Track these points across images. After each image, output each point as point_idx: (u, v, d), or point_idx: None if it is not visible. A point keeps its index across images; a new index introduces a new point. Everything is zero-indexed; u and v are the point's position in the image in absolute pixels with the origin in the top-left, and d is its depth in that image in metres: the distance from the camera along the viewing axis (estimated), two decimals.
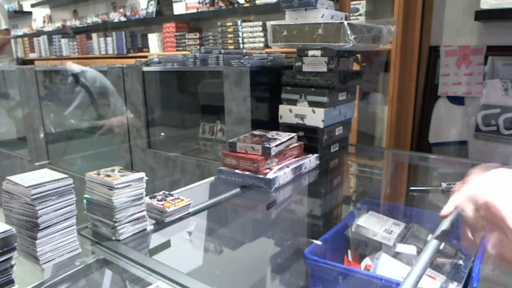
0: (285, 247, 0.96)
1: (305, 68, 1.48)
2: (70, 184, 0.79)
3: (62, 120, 2.93)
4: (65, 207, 0.79)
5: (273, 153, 1.25)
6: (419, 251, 1.01)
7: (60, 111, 2.91)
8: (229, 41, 3.44)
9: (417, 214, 1.23)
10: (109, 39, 4.66)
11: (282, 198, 1.25)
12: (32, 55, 6.13)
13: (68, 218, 0.80)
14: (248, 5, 3.27)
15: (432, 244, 0.82)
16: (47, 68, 2.87)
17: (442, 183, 1.22)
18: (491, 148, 1.96)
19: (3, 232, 0.62)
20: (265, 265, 0.97)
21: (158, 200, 1.00)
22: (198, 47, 3.27)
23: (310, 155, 1.44)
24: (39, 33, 5.97)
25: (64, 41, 5.37)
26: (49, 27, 5.87)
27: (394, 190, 1.51)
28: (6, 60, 3.51)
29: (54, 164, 2.84)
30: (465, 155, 2.05)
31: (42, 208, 0.75)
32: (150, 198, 1.01)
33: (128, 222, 0.88)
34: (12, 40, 6.12)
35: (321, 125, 1.44)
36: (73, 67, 2.63)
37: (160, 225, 0.96)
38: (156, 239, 0.94)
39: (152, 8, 4.18)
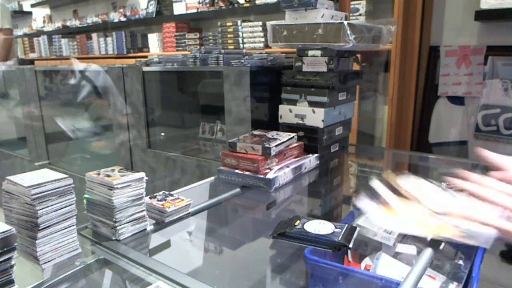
0: (285, 247, 0.96)
1: (305, 68, 1.48)
2: (70, 184, 0.79)
3: (62, 120, 2.93)
4: (65, 207, 0.79)
5: (273, 153, 1.25)
6: (419, 251, 1.01)
7: (60, 111, 2.91)
8: (229, 41, 3.44)
9: None
10: (109, 39, 4.66)
11: (282, 198, 1.25)
12: (32, 55, 6.13)
13: (68, 218, 0.80)
14: (248, 5, 3.27)
15: (432, 244, 0.82)
16: (47, 68, 2.87)
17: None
18: (491, 148, 1.95)
19: (3, 232, 0.62)
20: (265, 265, 0.96)
21: (158, 200, 1.00)
22: (198, 47, 3.27)
23: (310, 155, 1.44)
24: (39, 33, 5.97)
25: (64, 41, 5.37)
26: (49, 27, 5.88)
27: None
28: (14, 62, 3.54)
29: (54, 164, 2.84)
30: (465, 155, 2.05)
31: (42, 208, 0.75)
32: (150, 198, 1.01)
33: (128, 222, 0.88)
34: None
35: (321, 125, 1.44)
36: (79, 65, 2.64)
37: (160, 225, 0.96)
38: (156, 239, 0.94)
39: (152, 8, 4.18)
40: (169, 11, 4.03)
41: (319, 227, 0.89)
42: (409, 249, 1.04)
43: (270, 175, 1.21)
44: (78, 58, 5.15)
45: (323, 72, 1.43)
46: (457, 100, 2.06)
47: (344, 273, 0.89)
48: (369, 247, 1.12)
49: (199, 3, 3.68)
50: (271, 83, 1.63)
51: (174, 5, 3.91)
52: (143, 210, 0.91)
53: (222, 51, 1.78)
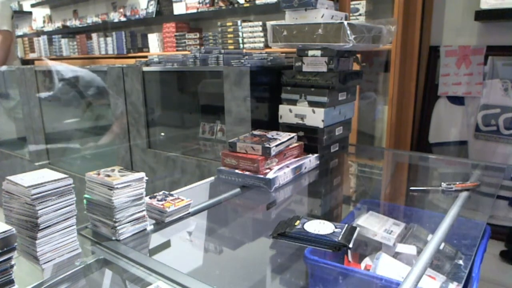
0: (285, 247, 0.96)
1: (305, 68, 1.48)
2: (70, 184, 0.79)
3: (61, 120, 2.93)
4: (65, 207, 0.79)
5: (273, 153, 1.25)
6: (419, 251, 1.01)
7: (60, 110, 2.92)
8: (229, 41, 3.44)
9: (417, 214, 1.23)
10: (109, 39, 4.66)
11: (282, 198, 1.25)
12: (32, 55, 6.13)
13: (68, 218, 0.80)
14: (248, 5, 3.27)
15: (432, 244, 0.82)
16: (47, 68, 2.87)
17: (442, 183, 1.22)
18: (491, 148, 1.96)
19: (3, 232, 0.62)
20: (265, 265, 0.96)
21: (158, 200, 1.00)
22: (198, 47, 3.27)
23: (310, 155, 1.43)
24: (39, 33, 5.97)
25: (64, 41, 5.37)
26: (49, 27, 5.87)
27: (394, 190, 1.51)
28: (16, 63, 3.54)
29: (54, 164, 2.84)
30: (465, 155, 2.05)
31: (42, 208, 0.75)
32: (150, 198, 1.01)
33: (128, 222, 0.88)
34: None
35: (321, 125, 1.44)
36: (60, 67, 2.66)
37: (160, 225, 0.96)
38: (156, 239, 0.94)
39: (152, 8, 4.18)
40: (169, 11, 4.02)
41: (319, 227, 0.89)
42: (409, 249, 1.04)
43: (270, 175, 1.21)
44: (78, 58, 5.15)
45: (323, 72, 1.43)
46: (457, 100, 2.06)
47: (344, 273, 0.89)
48: (369, 247, 1.12)
49: (199, 3, 3.68)
50: (271, 83, 1.63)
51: (174, 5, 3.91)
52: (143, 210, 0.91)
53: (222, 51, 1.78)
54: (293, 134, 1.40)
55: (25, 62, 5.93)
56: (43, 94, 2.69)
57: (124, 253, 0.82)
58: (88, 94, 2.62)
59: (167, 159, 2.07)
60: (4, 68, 3.14)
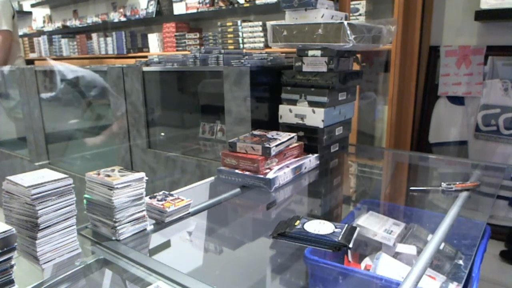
0: (285, 247, 0.96)
1: (305, 68, 1.48)
2: (70, 184, 0.79)
3: (62, 120, 2.93)
4: (65, 207, 0.79)
5: (273, 153, 1.25)
6: (419, 251, 1.01)
7: (60, 110, 2.92)
8: (229, 41, 3.44)
9: (417, 214, 1.23)
10: (109, 39, 4.66)
11: (282, 198, 1.25)
12: (32, 55, 6.13)
13: (68, 218, 0.80)
14: (248, 5, 3.27)
15: (432, 244, 0.82)
16: (47, 68, 2.87)
17: (442, 183, 1.22)
18: (491, 148, 1.96)
19: (3, 232, 0.62)
20: (265, 265, 0.96)
21: (158, 200, 1.00)
22: (198, 47, 3.27)
23: (310, 155, 1.44)
24: (39, 33, 5.97)
25: (64, 41, 5.37)
26: (49, 27, 5.88)
27: (394, 190, 1.51)
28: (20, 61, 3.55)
29: (54, 164, 2.84)
30: (465, 155, 2.05)
31: (42, 208, 0.75)
32: (150, 198, 1.01)
33: (128, 222, 0.88)
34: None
35: (321, 125, 1.44)
36: (61, 67, 2.67)
37: (160, 225, 0.96)
38: (156, 239, 0.94)
39: (152, 8, 4.18)
40: (169, 11, 4.02)
41: (319, 227, 0.89)
42: (409, 249, 1.04)
43: (270, 175, 1.21)
44: (78, 58, 5.15)
45: (323, 72, 1.43)
46: (457, 100, 2.06)
47: (344, 273, 0.89)
48: (369, 247, 1.12)
49: (199, 3, 3.68)
50: (271, 83, 1.63)
51: (174, 5, 3.91)
52: (143, 210, 0.91)
53: (222, 51, 1.78)
54: (293, 134, 1.40)
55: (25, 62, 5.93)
56: (45, 95, 2.70)
57: (124, 253, 0.82)
58: (90, 94, 2.62)
59: (167, 159, 2.07)
60: (4, 68, 3.14)
